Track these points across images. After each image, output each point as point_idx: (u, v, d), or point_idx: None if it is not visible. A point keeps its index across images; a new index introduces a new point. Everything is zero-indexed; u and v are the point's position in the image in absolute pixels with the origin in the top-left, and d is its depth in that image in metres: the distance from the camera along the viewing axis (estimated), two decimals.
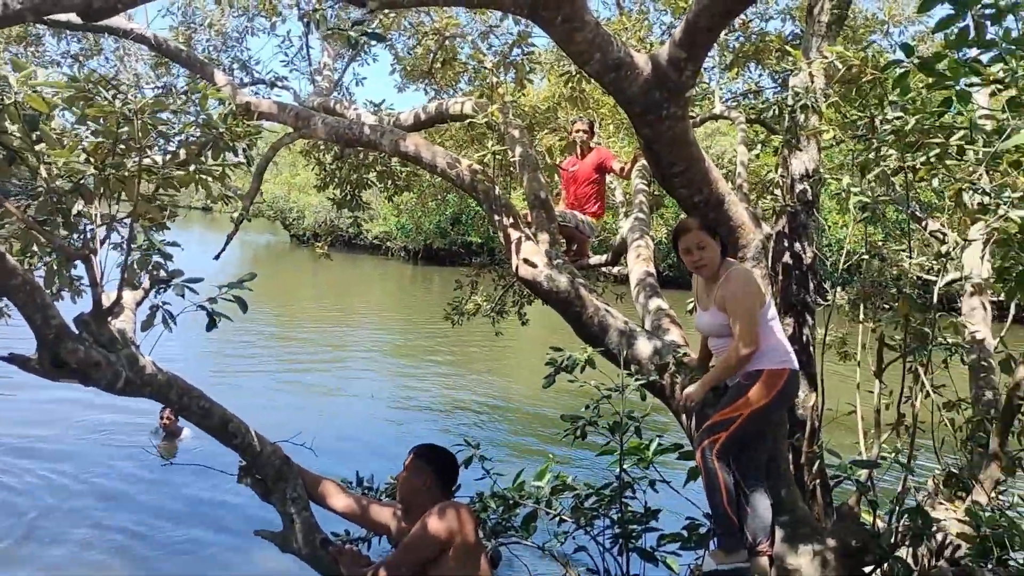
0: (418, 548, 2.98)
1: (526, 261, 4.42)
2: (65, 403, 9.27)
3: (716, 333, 3.53)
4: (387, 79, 10.93)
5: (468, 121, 4.66)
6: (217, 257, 5.14)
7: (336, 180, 7.79)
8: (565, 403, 11.22)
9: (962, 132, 3.06)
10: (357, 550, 3.43)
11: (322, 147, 7.73)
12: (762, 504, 3.39)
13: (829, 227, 24.28)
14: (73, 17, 5.15)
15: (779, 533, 3.49)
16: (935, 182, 3.23)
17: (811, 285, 4.78)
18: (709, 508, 3.41)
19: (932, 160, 3.17)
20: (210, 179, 3.22)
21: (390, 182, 8.06)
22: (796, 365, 3.48)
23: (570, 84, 5.16)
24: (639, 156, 6.23)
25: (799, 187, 4.77)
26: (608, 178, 6.89)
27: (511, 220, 4.55)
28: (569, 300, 4.26)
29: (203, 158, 3.19)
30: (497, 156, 4.27)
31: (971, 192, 3.08)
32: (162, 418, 8.39)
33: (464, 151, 6.99)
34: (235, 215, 5.01)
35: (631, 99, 3.42)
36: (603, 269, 7.17)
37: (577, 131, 6.43)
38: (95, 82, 3.02)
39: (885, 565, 3.33)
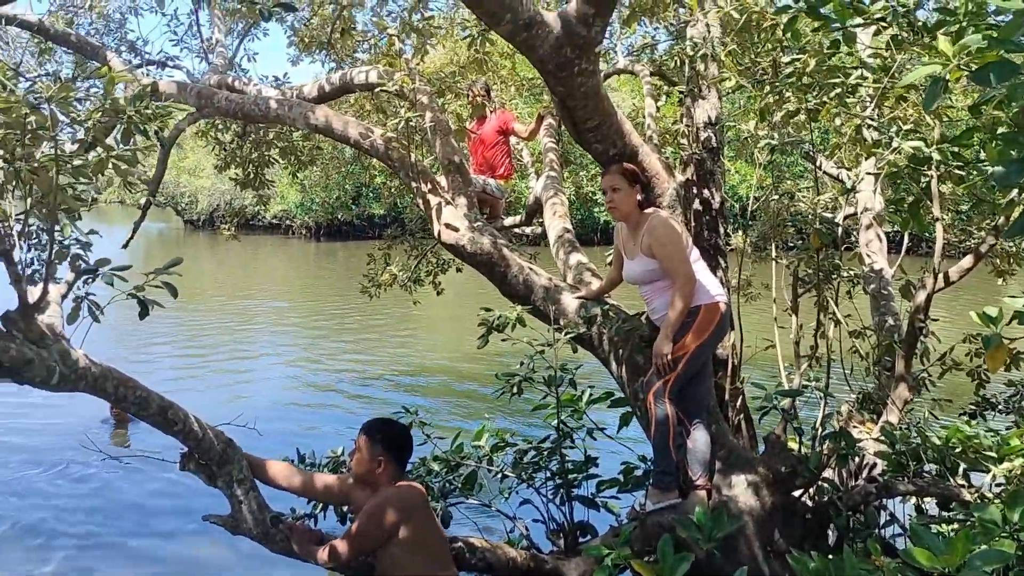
0: (368, 534, 3.05)
1: (448, 226, 4.45)
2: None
3: (646, 279, 3.66)
4: (277, 54, 10.65)
5: (379, 89, 4.62)
6: (125, 246, 4.99)
7: (237, 159, 7.62)
8: (487, 366, 11.37)
9: (858, 72, 3.24)
10: (307, 526, 3.45)
11: (220, 126, 7.52)
12: (703, 439, 3.56)
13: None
14: None
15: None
16: (837, 120, 3.42)
17: (721, 229, 4.98)
18: (653, 449, 3.55)
19: (832, 100, 3.35)
20: (123, 165, 3.13)
21: (293, 158, 7.93)
22: (727, 299, 3.66)
23: (473, 47, 5.16)
24: (544, 115, 6.32)
25: (703, 135, 4.94)
26: (513, 140, 6.95)
27: (429, 186, 4.56)
28: (493, 261, 4.32)
29: (112, 143, 3.09)
30: (410, 123, 4.26)
31: (869, 128, 3.28)
32: (112, 408, 8.10)
33: (367, 121, 6.92)
34: (141, 201, 4.85)
35: (544, 58, 3.48)
36: (516, 230, 7.25)
37: (474, 96, 6.45)
38: None
39: (813, 488, 3.56)
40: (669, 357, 3.46)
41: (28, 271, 3.27)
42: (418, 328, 15.09)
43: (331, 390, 10.51)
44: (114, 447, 7.84)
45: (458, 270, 8.47)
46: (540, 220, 7.23)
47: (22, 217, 2.67)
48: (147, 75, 5.60)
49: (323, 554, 3.12)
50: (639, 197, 3.66)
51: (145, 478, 7.04)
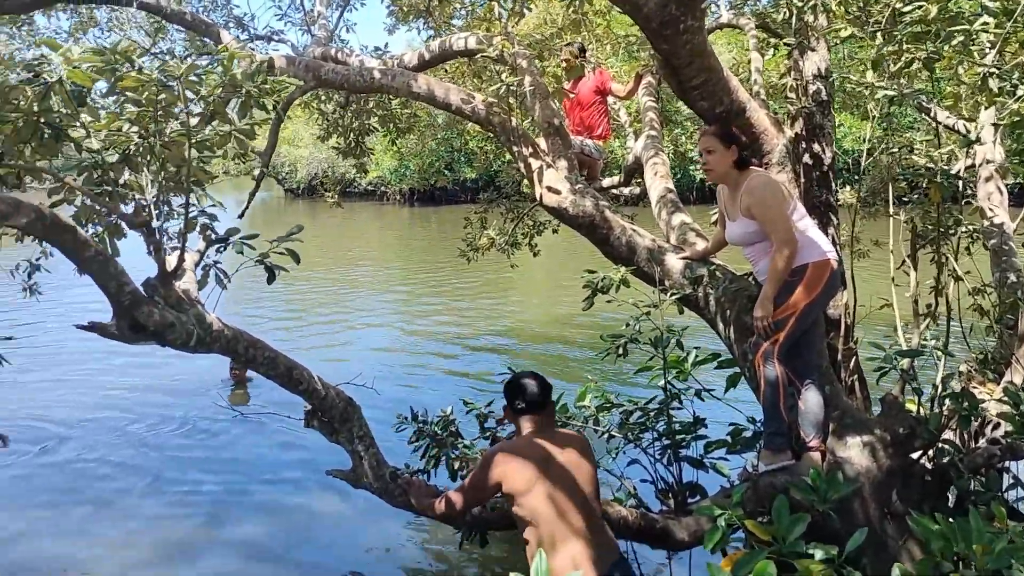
0: (473, 483, 3.09)
1: (549, 189, 4.47)
2: (121, 367, 9.60)
3: (747, 241, 3.61)
4: (372, 25, 10.81)
5: (479, 55, 4.64)
6: (241, 215, 5.20)
7: (339, 129, 7.81)
8: (580, 328, 11.43)
9: (982, 18, 3.08)
10: (424, 481, 3.58)
11: (323, 97, 7.71)
12: (814, 400, 3.50)
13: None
14: None
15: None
16: (960, 70, 3.27)
17: (832, 185, 4.84)
18: (763, 410, 3.53)
19: (952, 48, 3.20)
20: (244, 137, 3.27)
21: (392, 125, 8.08)
22: (837, 256, 3.57)
23: (571, 7, 5.12)
24: (643, 74, 6.23)
25: (812, 88, 4.79)
26: (610, 100, 6.89)
27: (530, 150, 4.58)
28: (595, 223, 4.32)
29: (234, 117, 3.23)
30: (511, 87, 4.27)
31: (995, 77, 3.12)
32: (232, 369, 8.59)
33: (464, 87, 6.97)
34: (255, 172, 5.05)
35: (649, 15, 3.43)
36: (614, 191, 7.21)
37: (571, 57, 6.41)
38: (120, 53, 3.04)
39: (932, 450, 3.47)
40: (769, 320, 3.41)
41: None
42: (512, 291, 15.23)
43: (430, 353, 10.75)
44: (239, 406, 8.31)
45: (554, 231, 8.51)
46: (638, 181, 7.19)
47: (163, 189, 2.83)
48: (253, 50, 5.78)
49: (440, 505, 3.21)
50: (735, 157, 3.59)
51: (270, 434, 7.45)
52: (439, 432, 4.09)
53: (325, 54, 5.53)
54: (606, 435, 4.23)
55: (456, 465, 4.03)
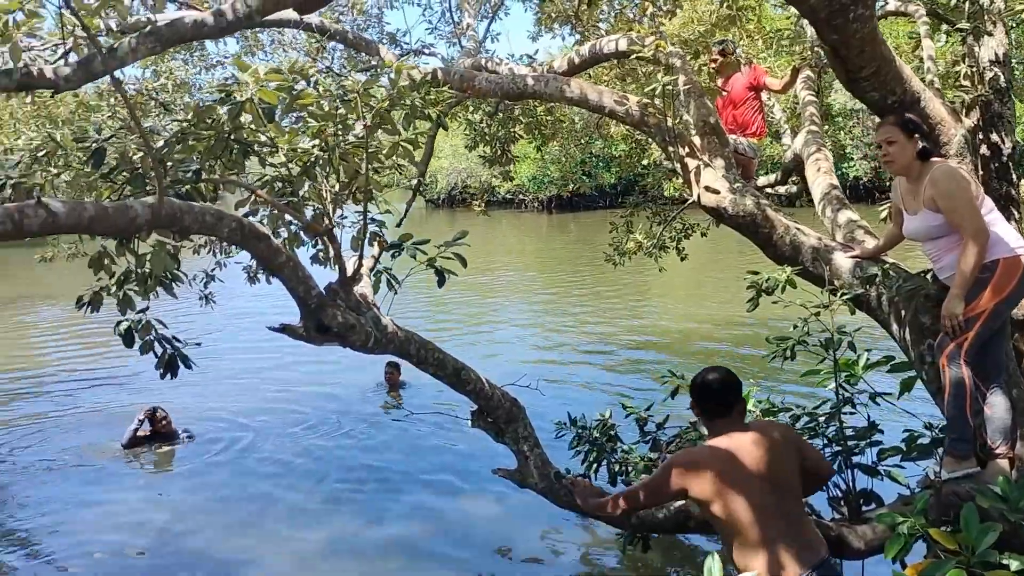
0: (650, 484, 3.02)
1: (708, 188, 4.40)
2: (285, 371, 10.25)
3: (930, 235, 3.41)
4: (514, 33, 10.96)
5: (634, 56, 4.63)
6: (399, 224, 5.40)
7: (486, 137, 7.98)
8: (729, 332, 11.15)
9: None
10: (589, 482, 3.58)
11: (470, 107, 7.91)
12: (1002, 404, 3.28)
13: None
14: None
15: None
16: None
17: (1012, 177, 4.53)
18: (946, 415, 3.33)
19: None
20: (410, 147, 3.40)
21: (537, 132, 8.18)
22: None
23: (725, 3, 5.02)
24: (800, 68, 6.02)
25: (989, 74, 4.49)
26: (764, 96, 6.70)
27: (687, 150, 4.52)
28: (757, 222, 4.22)
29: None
30: (666, 87, 4.24)
31: None
32: (387, 373, 8.95)
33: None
34: (412, 183, 5.23)
35: (815, 6, 3.31)
36: (769, 190, 7.00)
37: (717, 56, 6.29)
38: (297, 71, 3.23)
39: None
40: (961, 318, 3.21)
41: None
42: (651, 295, 15.08)
43: (574, 363, 10.76)
44: (399, 407, 8.65)
45: (703, 234, 8.35)
46: (794, 180, 6.95)
47: (341, 199, 2.98)
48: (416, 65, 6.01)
49: (613, 505, 3.14)
50: (917, 148, 3.40)
51: (426, 436, 7.71)
52: (598, 437, 4.09)
53: (476, 64, 5.67)
54: None
55: (616, 469, 4.02)
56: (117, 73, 2.66)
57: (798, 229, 4.17)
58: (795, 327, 3.74)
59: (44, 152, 3.31)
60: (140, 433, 7.45)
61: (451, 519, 5.95)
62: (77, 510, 6.28)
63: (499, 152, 8.11)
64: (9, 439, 8.05)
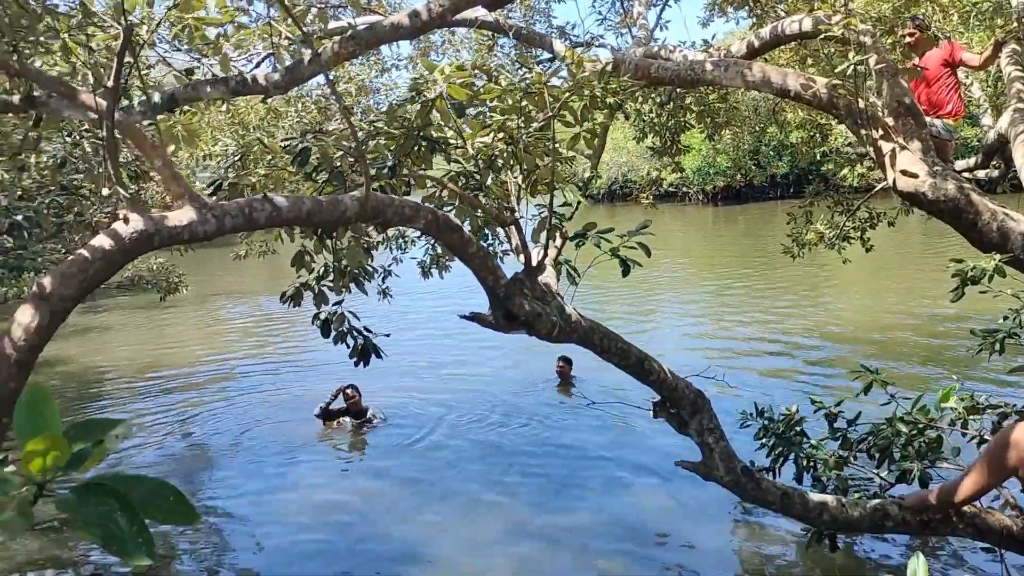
0: (983, 464, 2.74)
1: (904, 172, 4.14)
2: (460, 363, 10.66)
3: None
4: (679, 21, 10.74)
5: (819, 36, 4.42)
6: (570, 217, 5.41)
7: (655, 128, 7.86)
8: (905, 329, 10.46)
9: None
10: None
11: (639, 97, 7.82)
12: None
13: None
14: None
15: None
16: None
17: None
18: None
19: None
20: (590, 136, 3.41)
21: (709, 120, 7.97)
22: None
23: None
24: (1004, 41, 5.54)
25: None
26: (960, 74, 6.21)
27: (880, 132, 4.27)
28: (960, 207, 3.93)
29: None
30: (858, 67, 4.01)
31: None
32: (559, 367, 9.14)
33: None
34: (585, 175, 5.23)
35: None
36: (966, 174, 6.50)
37: (905, 36, 5.90)
38: (480, 68, 3.32)
39: None
40: None
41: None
42: (827, 288, 14.39)
43: (752, 355, 10.45)
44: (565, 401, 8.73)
45: (890, 224, 7.89)
46: (995, 164, 6.41)
47: (524, 189, 3.03)
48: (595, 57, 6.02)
49: (957, 490, 2.85)
50: None
51: (602, 429, 7.78)
52: (784, 430, 3.95)
53: (647, 52, 5.59)
54: (976, 439, 3.82)
55: (803, 464, 3.88)
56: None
57: (1006, 214, 3.85)
58: (1004, 318, 3.46)
59: (251, 156, 3.58)
60: (333, 407, 8.17)
61: (622, 511, 5.97)
62: (274, 491, 6.78)
63: (668, 142, 7.98)
64: (211, 419, 8.84)
